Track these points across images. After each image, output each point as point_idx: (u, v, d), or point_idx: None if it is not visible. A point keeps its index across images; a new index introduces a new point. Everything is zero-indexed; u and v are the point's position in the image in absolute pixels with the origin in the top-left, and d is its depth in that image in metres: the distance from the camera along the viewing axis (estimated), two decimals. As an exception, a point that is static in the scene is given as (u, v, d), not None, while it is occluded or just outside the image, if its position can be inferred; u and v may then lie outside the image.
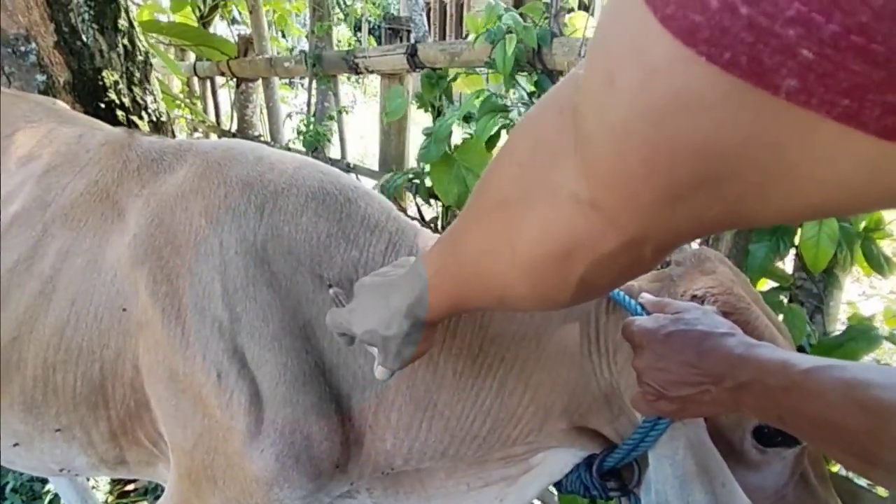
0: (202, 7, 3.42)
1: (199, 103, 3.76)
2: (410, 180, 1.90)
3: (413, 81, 2.20)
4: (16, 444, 1.10)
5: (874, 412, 0.47)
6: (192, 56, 4.02)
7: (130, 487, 2.11)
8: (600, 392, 0.85)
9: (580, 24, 1.64)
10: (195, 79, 3.95)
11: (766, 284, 1.13)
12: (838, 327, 1.08)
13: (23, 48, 1.91)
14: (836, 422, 0.50)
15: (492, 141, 1.71)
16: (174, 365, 0.91)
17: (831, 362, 0.52)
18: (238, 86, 3.28)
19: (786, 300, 1.09)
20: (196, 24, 3.44)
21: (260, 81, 3.26)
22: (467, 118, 1.71)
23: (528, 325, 0.90)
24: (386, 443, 0.96)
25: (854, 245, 0.97)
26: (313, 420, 0.90)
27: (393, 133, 2.26)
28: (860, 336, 0.94)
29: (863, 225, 1.01)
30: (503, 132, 1.70)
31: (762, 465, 0.78)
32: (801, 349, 1.02)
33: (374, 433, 0.96)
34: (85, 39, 2.06)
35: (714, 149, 0.26)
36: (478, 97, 1.67)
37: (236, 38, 3.35)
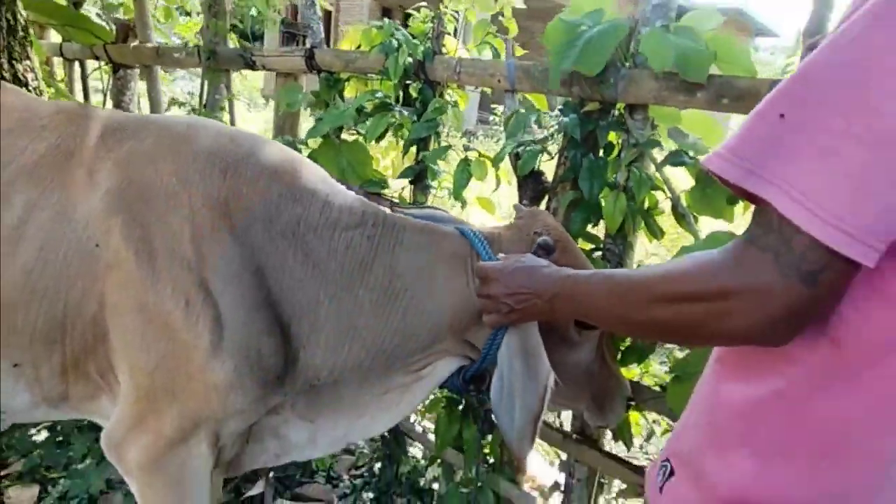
0: (73, -14, 3.33)
1: (63, 85, 3.62)
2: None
3: (307, 80, 2.45)
4: (-44, 385, 1.19)
5: (622, 288, 0.79)
6: (52, 36, 3.84)
7: (3, 473, 2.11)
8: (475, 311, 1.21)
9: (453, 47, 2.03)
10: (56, 60, 3.78)
11: (588, 247, 1.58)
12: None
13: None
14: (602, 305, 0.82)
15: (380, 137, 2.03)
16: (144, 298, 1.11)
17: (604, 270, 0.88)
18: (115, 71, 3.26)
19: (599, 257, 1.55)
20: (64, 3, 3.34)
21: (137, 69, 3.27)
22: (359, 110, 2.01)
23: (423, 264, 1.24)
24: (316, 359, 1.23)
25: (637, 217, 1.44)
26: (264, 339, 1.15)
27: (286, 130, 2.49)
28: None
29: (646, 204, 1.50)
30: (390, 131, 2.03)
31: (580, 345, 1.20)
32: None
33: (307, 352, 1.23)
34: (-33, 11, 2.03)
35: None
36: (370, 97, 1.99)
37: (109, 24, 3.32)
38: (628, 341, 1.39)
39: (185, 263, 1.11)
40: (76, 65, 3.67)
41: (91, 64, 3.62)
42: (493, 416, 1.09)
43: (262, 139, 1.28)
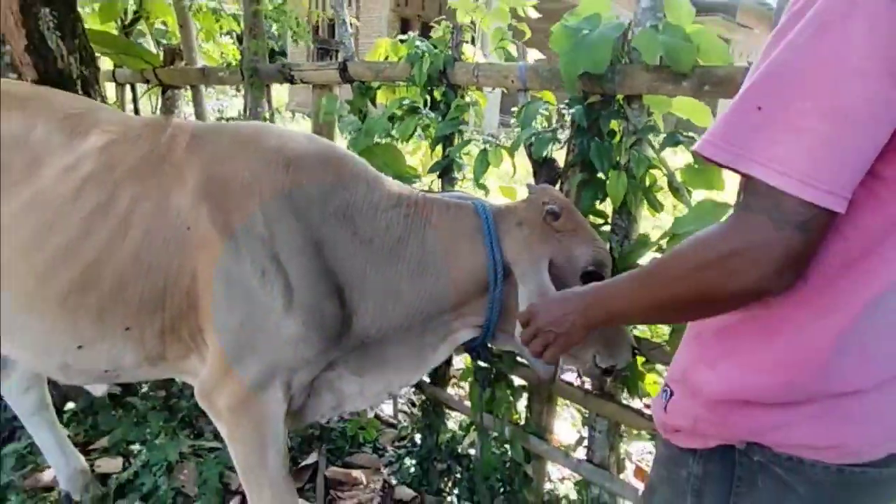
0: (124, 17, 3.68)
1: (116, 107, 3.97)
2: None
3: (340, 91, 2.71)
4: (80, 347, 1.45)
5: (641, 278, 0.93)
6: (103, 62, 4.20)
7: (92, 447, 2.40)
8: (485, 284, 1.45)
9: (470, 54, 2.27)
10: (109, 84, 4.14)
11: (598, 222, 1.79)
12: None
13: None
14: (627, 297, 0.94)
15: (409, 137, 2.27)
16: (229, 269, 1.36)
17: (623, 273, 0.99)
18: (164, 93, 3.59)
19: (608, 231, 1.76)
20: (117, 34, 3.69)
21: (184, 89, 3.59)
22: (391, 118, 2.26)
23: (448, 238, 1.47)
24: (366, 319, 1.48)
25: (638, 192, 1.65)
26: (325, 302, 1.40)
27: (324, 137, 2.75)
28: (640, 247, 1.63)
29: (647, 182, 1.70)
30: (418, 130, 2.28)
31: None
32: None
33: (358, 314, 1.47)
34: (50, 44, 2.36)
35: None
36: (399, 105, 2.23)
37: (157, 49, 3.66)
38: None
39: (259, 241, 1.36)
40: (127, 88, 4.02)
41: (140, 87, 3.97)
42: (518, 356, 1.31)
43: (315, 138, 1.53)
